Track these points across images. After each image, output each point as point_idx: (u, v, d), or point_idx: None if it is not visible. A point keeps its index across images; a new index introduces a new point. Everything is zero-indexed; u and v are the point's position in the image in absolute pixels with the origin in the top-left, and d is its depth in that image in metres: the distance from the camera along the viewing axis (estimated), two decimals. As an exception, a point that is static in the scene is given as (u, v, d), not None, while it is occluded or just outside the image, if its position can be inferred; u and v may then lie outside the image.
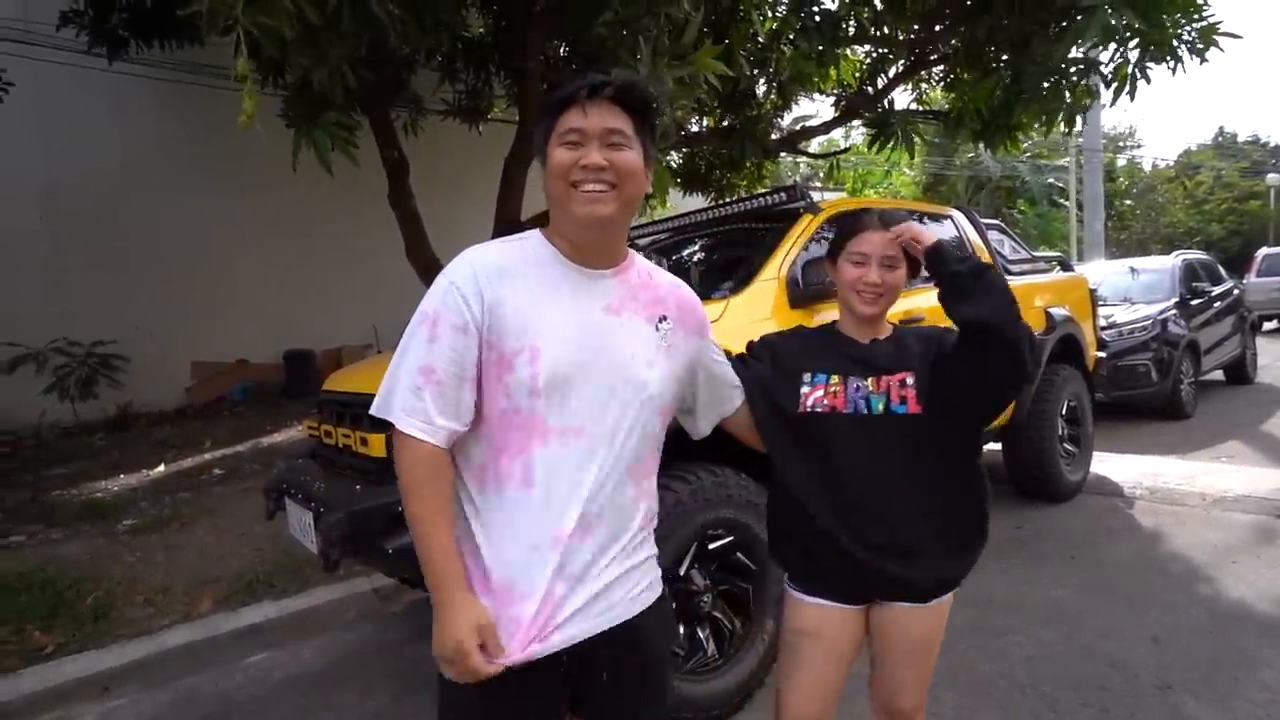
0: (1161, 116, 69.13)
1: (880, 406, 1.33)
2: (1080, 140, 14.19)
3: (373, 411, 1.06)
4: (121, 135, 7.19)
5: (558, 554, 1.02)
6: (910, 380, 1.34)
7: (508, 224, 5.51)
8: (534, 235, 1.11)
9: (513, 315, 1.02)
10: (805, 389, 1.39)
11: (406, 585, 2.69)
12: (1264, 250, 14.26)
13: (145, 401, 6.96)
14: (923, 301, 3.28)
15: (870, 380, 1.36)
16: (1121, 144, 23.79)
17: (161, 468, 5.10)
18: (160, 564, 3.51)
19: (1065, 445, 4.07)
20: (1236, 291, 7.95)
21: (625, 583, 1.08)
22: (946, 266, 1.32)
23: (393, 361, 1.06)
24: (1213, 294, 7.21)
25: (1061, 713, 2.16)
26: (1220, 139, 27.20)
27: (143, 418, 6.80)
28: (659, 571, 1.18)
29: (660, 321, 1.13)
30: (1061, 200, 19.40)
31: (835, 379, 1.37)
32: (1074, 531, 3.64)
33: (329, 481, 2.30)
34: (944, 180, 18.20)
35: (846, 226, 1.45)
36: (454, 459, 1.07)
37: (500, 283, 1.03)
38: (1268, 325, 13.07)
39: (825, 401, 1.36)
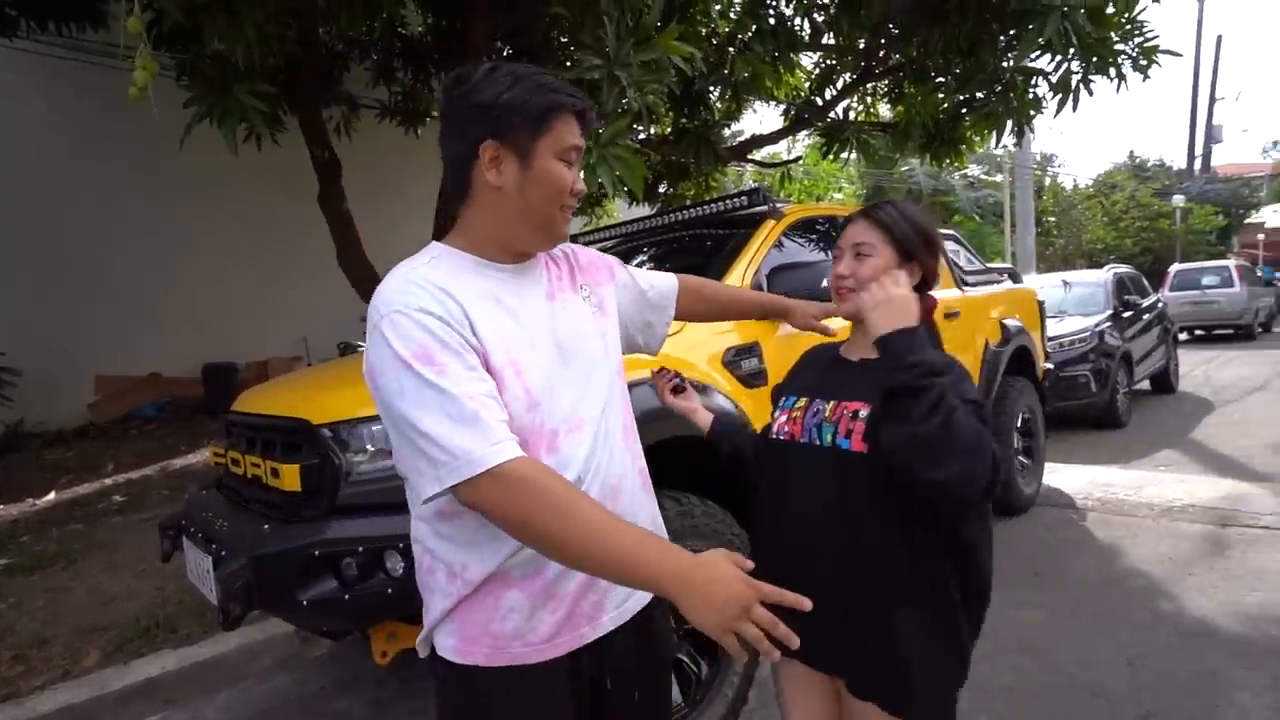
0: (1079, 142, 74.34)
1: (829, 438, 1.12)
2: (1014, 157, 14.81)
3: (447, 486, 0.84)
4: (21, 130, 6.52)
5: None
6: (864, 413, 1.08)
7: (450, 230, 5.20)
8: (439, 249, 1.01)
9: (488, 330, 0.93)
10: (777, 412, 1.23)
11: (327, 638, 2.37)
12: (1176, 266, 15.21)
13: (40, 420, 6.28)
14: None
15: (830, 405, 1.14)
16: (1045, 166, 25.13)
17: (52, 495, 4.55)
18: (39, 611, 3.05)
19: (1020, 458, 4.05)
20: (1161, 304, 8.33)
21: None
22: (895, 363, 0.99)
23: (414, 433, 0.86)
24: (1142, 306, 7.50)
25: (1048, 751, 2.03)
26: (1133, 162, 29.11)
27: (36, 438, 6.12)
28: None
29: (582, 289, 1.11)
30: (994, 215, 20.26)
31: (802, 402, 1.19)
32: (1034, 546, 3.60)
33: (234, 519, 1.98)
34: (883, 194, 18.73)
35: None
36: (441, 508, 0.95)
37: (460, 296, 0.93)
38: (1183, 336, 13.87)
39: (786, 429, 1.19)
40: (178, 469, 5.16)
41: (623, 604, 1.03)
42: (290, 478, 1.78)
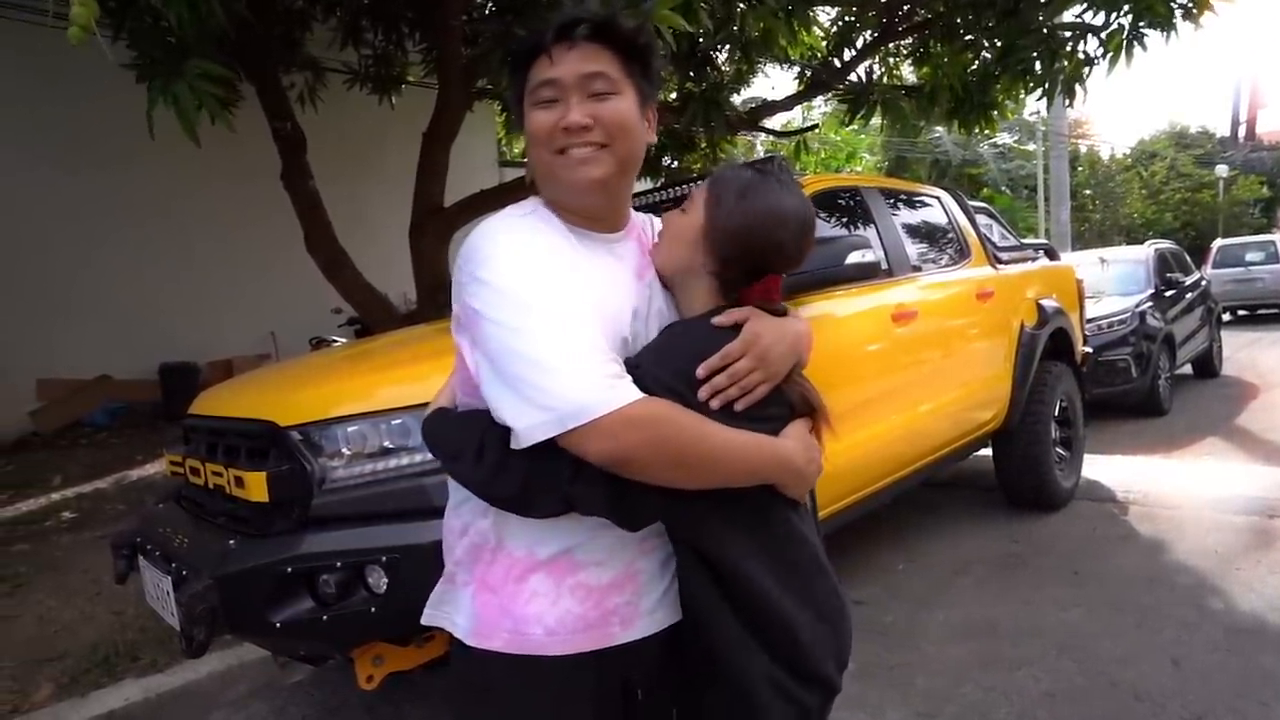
0: (1115, 110, 74.31)
1: None
2: (1047, 125, 14.75)
3: (549, 434, 0.82)
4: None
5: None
6: None
7: (430, 210, 5.15)
8: (536, 204, 1.02)
9: (579, 279, 0.96)
10: None
11: (306, 663, 2.34)
12: (1219, 241, 15.22)
13: (-25, 430, 6.23)
14: (912, 293, 3.13)
15: None
16: (1079, 134, 25.13)
17: (-7, 512, 4.51)
18: (-17, 639, 3.02)
19: (1057, 449, 4.04)
20: (1204, 283, 8.32)
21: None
22: None
23: (516, 368, 0.85)
24: (1185, 284, 7.49)
25: (1096, 767, 2.03)
26: (1174, 129, 29.10)
27: (-28, 451, 6.07)
28: None
29: None
30: (1026, 188, 20.18)
31: None
32: (1072, 543, 3.60)
33: (195, 534, 1.95)
34: (906, 165, 18.65)
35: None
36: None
37: (561, 251, 0.96)
38: (1226, 317, 13.87)
39: None
40: (134, 481, 5.12)
41: (655, 610, 1.00)
42: (256, 487, 1.74)
